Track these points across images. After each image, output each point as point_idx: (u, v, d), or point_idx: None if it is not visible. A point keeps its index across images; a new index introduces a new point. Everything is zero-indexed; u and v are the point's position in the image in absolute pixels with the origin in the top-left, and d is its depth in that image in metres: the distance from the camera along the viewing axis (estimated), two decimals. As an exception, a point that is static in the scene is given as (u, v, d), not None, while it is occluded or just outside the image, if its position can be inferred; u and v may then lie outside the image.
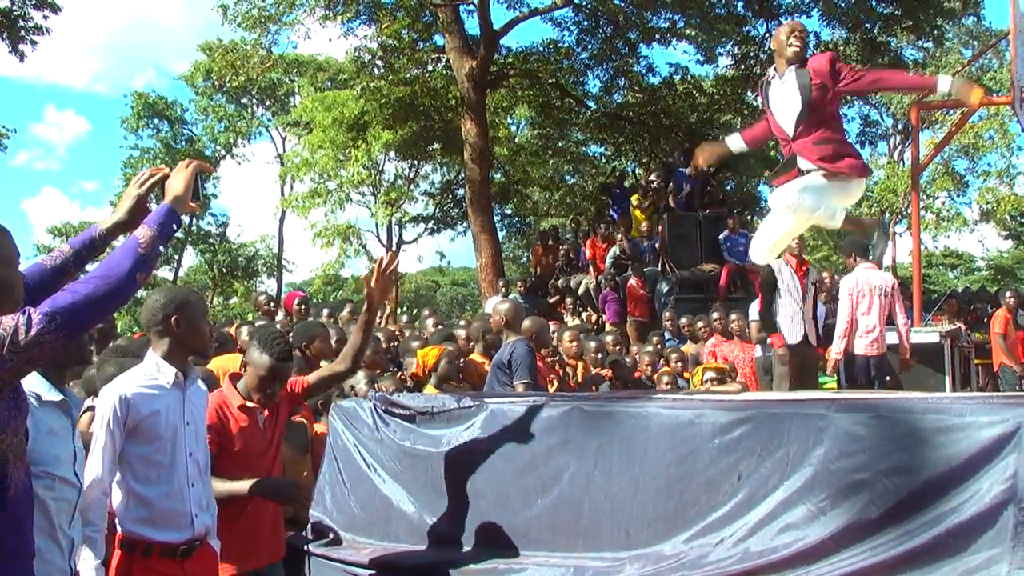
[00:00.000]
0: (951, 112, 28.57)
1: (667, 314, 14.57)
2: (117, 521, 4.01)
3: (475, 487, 5.31)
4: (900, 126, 41.37)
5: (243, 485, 4.57)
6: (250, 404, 4.77)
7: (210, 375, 5.73)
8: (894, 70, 5.61)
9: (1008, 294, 14.53)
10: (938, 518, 4.08)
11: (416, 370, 8.27)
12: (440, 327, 11.09)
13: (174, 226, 3.26)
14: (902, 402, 5.07)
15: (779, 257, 9.67)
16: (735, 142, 6.76)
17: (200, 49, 39.03)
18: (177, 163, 3.53)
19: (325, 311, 12.80)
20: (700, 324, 12.38)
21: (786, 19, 22.49)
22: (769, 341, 9.82)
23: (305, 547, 5.17)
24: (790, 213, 6.73)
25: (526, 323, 8.85)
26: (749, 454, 4.62)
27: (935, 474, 4.16)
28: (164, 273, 45.62)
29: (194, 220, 45.92)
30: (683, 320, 13.31)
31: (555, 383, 8.62)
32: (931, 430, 4.26)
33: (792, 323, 9.55)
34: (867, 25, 21.95)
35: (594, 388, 9.48)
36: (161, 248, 3.15)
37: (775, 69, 6.35)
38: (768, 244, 6.91)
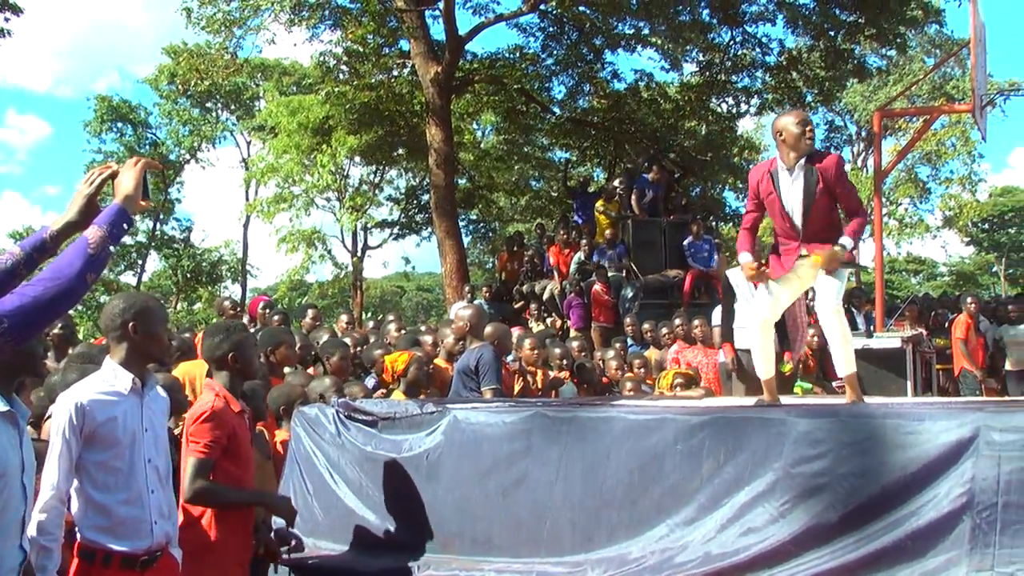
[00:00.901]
0: (914, 119, 28.85)
1: (628, 320, 14.60)
2: (76, 529, 3.97)
3: (437, 493, 5.31)
4: (863, 133, 41.64)
5: (260, 496, 4.87)
6: (244, 408, 4.89)
7: (175, 382, 5.70)
8: (864, 223, 5.48)
9: (969, 300, 14.68)
10: (897, 522, 4.12)
11: (385, 376, 8.26)
12: (404, 332, 11.08)
13: (125, 225, 3.21)
14: (862, 407, 5.12)
15: (730, 265, 9.77)
16: (745, 257, 6.49)
17: (164, 52, 38.77)
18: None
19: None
20: (664, 330, 12.40)
21: (751, 27, 22.70)
22: (723, 348, 9.91)
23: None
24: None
25: (489, 329, 8.87)
26: (711, 459, 4.66)
27: (895, 478, 4.21)
28: (128, 278, 45.31)
29: (158, 225, 45.65)
30: (646, 325, 13.34)
31: (521, 383, 8.62)
32: (891, 435, 4.31)
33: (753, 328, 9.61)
34: (831, 33, 22.06)
35: (554, 393, 9.48)
36: (112, 248, 3.11)
37: (782, 160, 6.07)
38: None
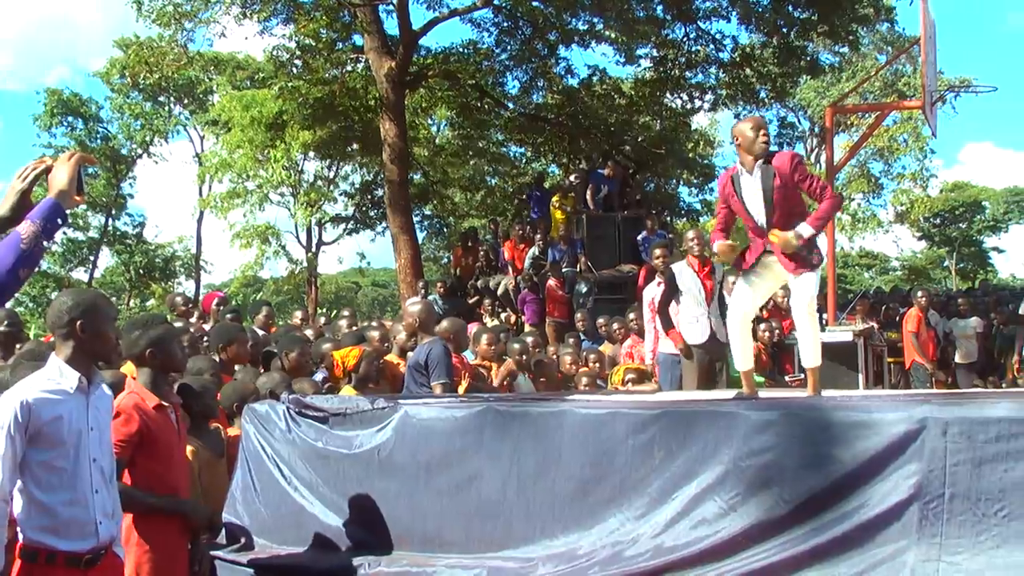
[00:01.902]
0: (866, 115, 29.06)
1: (579, 315, 14.64)
2: (19, 529, 3.91)
3: (388, 489, 5.29)
4: (816, 128, 41.93)
5: (175, 504, 4.76)
6: (165, 403, 4.77)
7: (120, 378, 5.64)
8: (830, 207, 5.77)
9: (920, 294, 14.85)
10: (847, 513, 4.16)
11: (336, 372, 8.21)
12: (354, 328, 11.03)
13: (59, 220, 3.17)
14: (813, 400, 5.16)
15: (682, 259, 9.91)
16: (720, 243, 6.75)
17: (116, 45, 38.37)
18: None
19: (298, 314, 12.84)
20: (616, 325, 12.44)
21: (705, 24, 22.80)
22: (669, 338, 10.00)
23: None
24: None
25: (444, 324, 8.86)
26: (662, 452, 4.67)
27: (844, 470, 4.24)
28: (80, 275, 44.89)
29: (110, 220, 45.24)
30: (600, 320, 13.37)
31: (468, 380, 8.59)
32: (840, 427, 4.34)
33: (697, 323, 9.74)
34: (784, 30, 22.19)
35: (507, 384, 9.49)
36: (45, 243, 3.07)
37: (742, 164, 6.40)
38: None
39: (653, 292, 10.44)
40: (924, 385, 13.58)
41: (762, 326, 12.33)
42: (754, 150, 6.30)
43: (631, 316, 12.22)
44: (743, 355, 6.81)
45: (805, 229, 6.23)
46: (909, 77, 37.84)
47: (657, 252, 10.68)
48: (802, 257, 6.32)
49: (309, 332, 10.87)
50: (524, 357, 10.06)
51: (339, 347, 8.40)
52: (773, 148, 6.55)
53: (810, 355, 6.53)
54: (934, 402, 4.37)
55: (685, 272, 9.80)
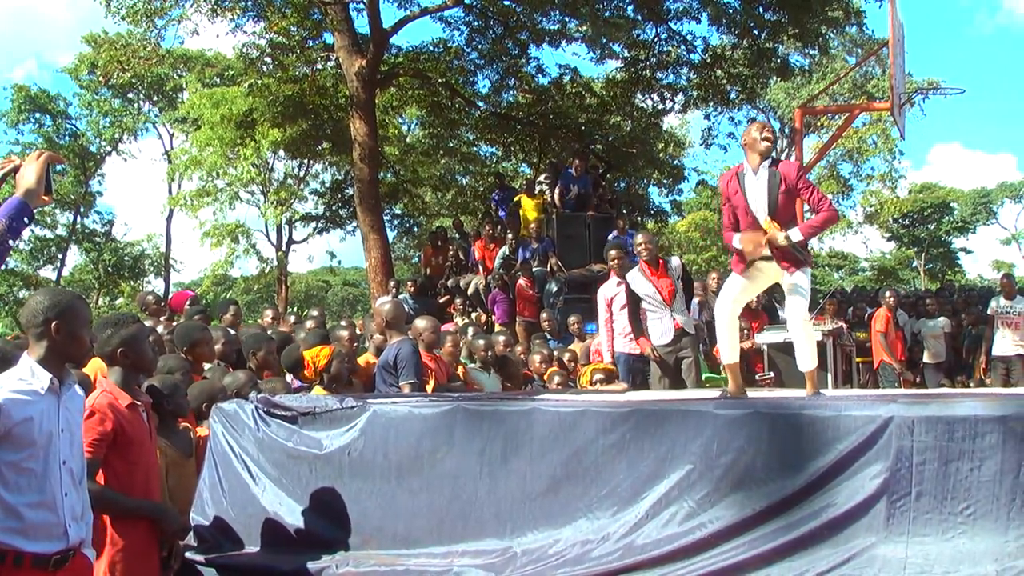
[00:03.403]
0: (835, 117, 29.24)
1: (545, 315, 14.66)
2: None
3: (358, 488, 5.29)
4: (786, 130, 42.13)
5: (149, 508, 4.74)
6: (137, 402, 4.74)
7: (86, 378, 5.60)
8: (825, 220, 6.03)
9: (888, 294, 14.93)
10: (816, 511, 4.21)
11: (307, 372, 8.18)
12: (318, 328, 10.98)
13: (26, 219, 3.15)
14: (781, 400, 5.19)
15: (635, 267, 9.99)
16: (737, 238, 6.88)
17: (84, 41, 38.18)
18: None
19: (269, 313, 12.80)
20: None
21: (676, 24, 22.88)
22: (638, 345, 10.07)
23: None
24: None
25: (417, 323, 8.86)
26: (632, 451, 4.69)
27: (812, 469, 4.28)
28: (47, 273, 44.58)
29: (79, 218, 44.95)
30: (572, 319, 13.37)
31: (433, 381, 8.59)
32: (809, 426, 4.37)
33: (661, 323, 9.79)
34: (755, 31, 22.27)
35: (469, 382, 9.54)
36: (12, 242, 3.05)
37: (748, 163, 6.62)
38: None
39: (607, 292, 10.49)
40: (892, 385, 13.65)
41: None
42: (758, 148, 6.52)
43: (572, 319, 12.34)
44: (730, 348, 6.92)
45: (796, 234, 6.42)
46: (878, 79, 38.09)
47: (612, 254, 10.73)
48: (795, 257, 6.46)
49: (281, 330, 10.83)
50: (488, 353, 10.09)
51: (307, 347, 8.39)
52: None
53: (806, 359, 6.70)
54: (902, 401, 4.41)
55: (638, 278, 9.86)
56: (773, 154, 6.61)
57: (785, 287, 6.66)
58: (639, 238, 10.37)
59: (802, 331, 6.66)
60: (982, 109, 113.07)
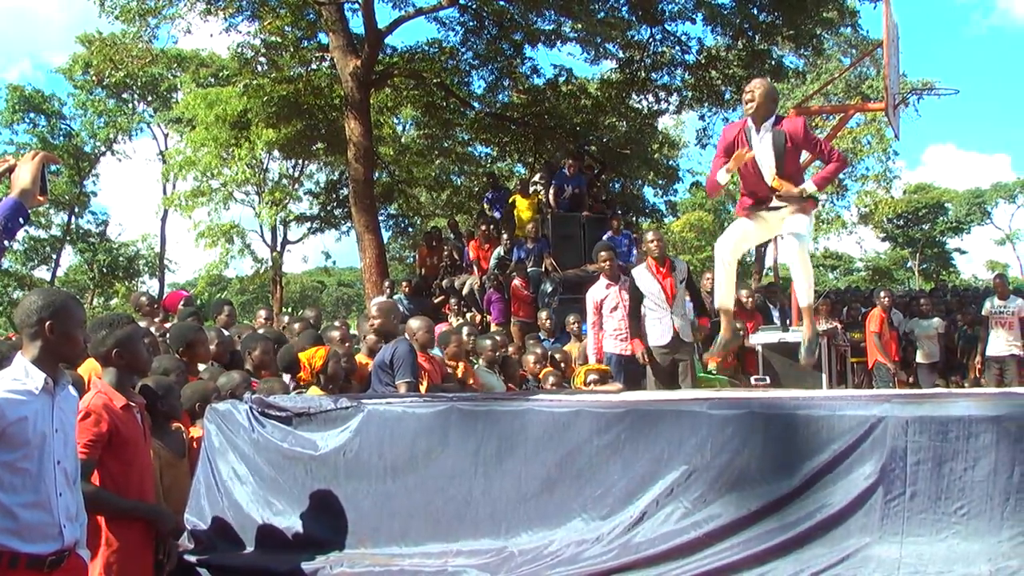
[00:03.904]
0: (830, 117, 29.25)
1: (543, 314, 14.68)
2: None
3: (353, 489, 5.28)
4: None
5: (145, 509, 4.75)
6: (131, 403, 4.74)
7: (79, 379, 5.59)
8: (836, 169, 6.12)
9: (883, 294, 14.96)
10: (810, 512, 4.21)
11: (303, 374, 8.18)
12: (308, 330, 10.96)
13: (21, 220, 3.14)
14: (776, 400, 5.19)
15: (642, 263, 10.00)
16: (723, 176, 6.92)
17: (78, 41, 38.06)
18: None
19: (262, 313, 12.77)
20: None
21: (671, 26, 22.90)
22: (631, 345, 10.09)
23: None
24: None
25: (413, 323, 8.87)
26: (627, 452, 4.69)
27: (807, 469, 4.28)
28: (42, 273, 44.54)
29: (73, 218, 44.91)
30: (570, 318, 13.39)
31: (426, 381, 8.60)
32: (804, 426, 4.37)
33: (660, 324, 9.80)
34: (750, 33, 22.31)
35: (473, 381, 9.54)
36: (7, 243, 3.04)
37: (752, 120, 6.68)
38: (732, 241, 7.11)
39: (596, 294, 10.50)
40: (886, 385, 13.68)
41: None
42: (747, 111, 6.69)
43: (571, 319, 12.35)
44: (725, 291, 7.03)
45: (811, 186, 6.55)
46: (873, 80, 38.12)
47: (603, 255, 10.74)
48: (799, 204, 6.49)
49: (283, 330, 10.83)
50: (496, 353, 10.10)
51: (300, 348, 8.39)
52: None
53: (804, 293, 6.77)
54: (896, 401, 4.41)
55: (644, 275, 9.85)
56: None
57: (787, 224, 6.68)
58: (649, 235, 10.38)
59: (800, 263, 6.67)
60: (976, 109, 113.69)
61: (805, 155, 7.09)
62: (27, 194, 3.21)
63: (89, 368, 6.16)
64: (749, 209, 6.69)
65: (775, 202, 6.61)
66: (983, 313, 14.46)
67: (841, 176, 43.06)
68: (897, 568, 4.00)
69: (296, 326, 10.84)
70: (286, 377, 8.06)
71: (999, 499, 3.97)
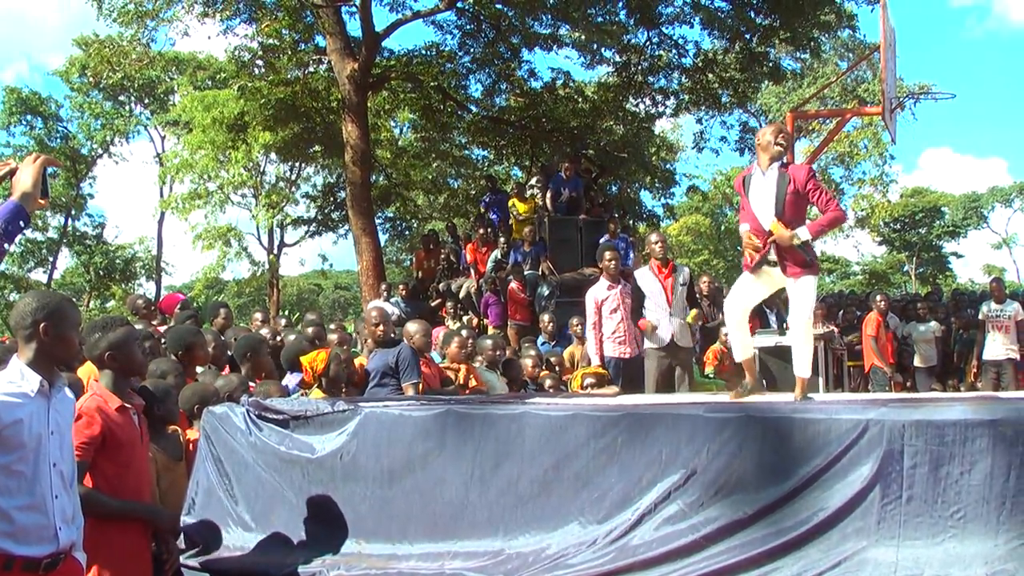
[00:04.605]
0: (827, 121, 29.30)
1: (545, 317, 14.65)
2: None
3: (350, 492, 5.29)
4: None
5: (141, 510, 4.74)
6: (127, 405, 4.72)
7: (78, 382, 5.59)
8: (833, 220, 6.19)
9: (879, 298, 14.96)
10: (807, 515, 4.25)
11: (305, 377, 8.18)
12: (295, 335, 10.95)
13: (21, 223, 3.14)
14: (772, 404, 5.20)
15: (644, 263, 10.02)
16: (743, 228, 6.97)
17: (75, 43, 38.11)
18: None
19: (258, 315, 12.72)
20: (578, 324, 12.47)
21: (668, 29, 22.89)
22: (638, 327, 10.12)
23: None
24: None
25: (410, 327, 8.91)
26: (624, 455, 4.70)
27: (804, 473, 4.31)
28: (38, 276, 44.47)
29: (70, 221, 44.86)
30: (573, 321, 13.37)
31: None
32: (800, 430, 4.39)
33: (660, 327, 9.79)
34: (747, 36, 22.30)
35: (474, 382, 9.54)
36: (7, 246, 3.04)
37: (758, 165, 6.65)
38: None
39: (598, 294, 10.49)
40: (883, 389, 13.70)
41: (724, 331, 12.43)
42: (771, 152, 6.53)
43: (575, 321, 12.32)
44: (740, 346, 7.03)
45: (804, 232, 6.43)
46: (869, 83, 38.16)
47: (607, 255, 10.71)
48: (802, 260, 6.48)
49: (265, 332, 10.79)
50: (498, 353, 10.10)
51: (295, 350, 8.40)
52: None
53: (802, 365, 6.66)
54: (892, 405, 4.42)
55: (647, 276, 9.87)
56: (784, 158, 6.60)
57: (789, 293, 6.65)
58: (653, 237, 10.41)
59: (802, 335, 6.67)
60: (973, 114, 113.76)
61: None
62: (28, 197, 3.21)
63: (88, 371, 6.16)
64: (754, 267, 6.71)
65: (773, 256, 6.63)
66: (979, 317, 14.47)
67: (838, 180, 43.21)
68: (893, 572, 4.01)
69: (310, 331, 10.86)
70: (288, 377, 8.07)
71: (995, 503, 3.98)
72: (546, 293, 16.72)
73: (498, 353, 10.17)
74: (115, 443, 4.59)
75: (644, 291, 9.88)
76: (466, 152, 30.10)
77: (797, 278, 6.51)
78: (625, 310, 10.20)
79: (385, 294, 18.50)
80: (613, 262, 10.58)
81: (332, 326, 11.74)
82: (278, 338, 9.94)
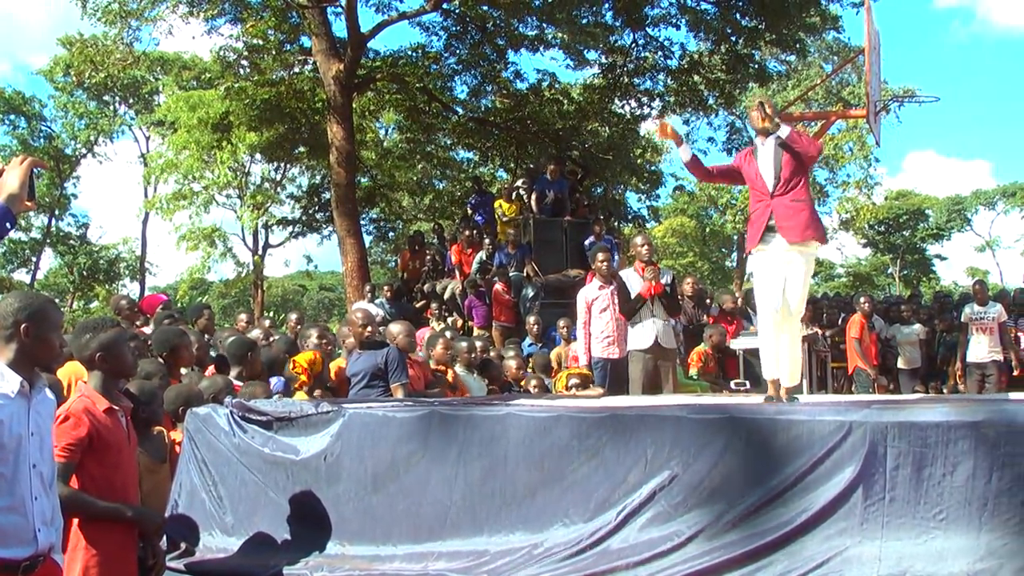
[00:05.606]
0: (811, 124, 29.36)
1: (532, 319, 14.62)
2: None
3: (334, 494, 5.27)
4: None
5: (127, 510, 4.66)
6: (115, 407, 4.69)
7: (57, 383, 5.56)
8: (810, 143, 6.45)
9: (863, 300, 14.99)
10: (790, 517, 4.26)
11: (304, 378, 8.19)
12: (284, 336, 10.94)
13: (8, 224, 3.12)
14: (756, 405, 5.21)
15: (629, 265, 10.04)
16: (685, 152, 7.12)
17: (60, 43, 37.90)
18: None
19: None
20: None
21: (653, 31, 22.96)
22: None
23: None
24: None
25: (394, 328, 8.94)
26: (607, 456, 4.70)
27: (787, 474, 4.32)
28: (21, 276, 44.29)
29: (53, 221, 44.71)
30: (561, 322, 13.36)
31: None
32: (784, 432, 4.39)
33: (644, 328, 9.79)
34: (733, 38, 22.37)
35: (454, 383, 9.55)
36: None
37: (757, 139, 7.05)
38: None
39: (588, 294, 10.49)
40: (867, 390, 13.72)
41: (707, 331, 12.45)
42: (759, 127, 6.97)
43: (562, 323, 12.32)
44: (774, 358, 6.98)
45: (784, 130, 6.81)
46: (854, 86, 38.25)
47: (600, 256, 10.71)
48: (805, 220, 6.60)
49: (255, 333, 10.78)
50: (472, 355, 10.11)
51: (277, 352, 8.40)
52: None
53: (791, 375, 6.75)
54: (875, 407, 4.44)
55: (633, 278, 9.87)
56: (780, 129, 6.83)
57: (789, 268, 6.75)
58: (639, 239, 10.39)
59: (794, 342, 6.73)
60: (957, 117, 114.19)
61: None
62: (15, 199, 3.19)
63: (69, 372, 6.13)
64: (759, 243, 6.79)
65: (775, 221, 6.71)
66: (963, 319, 14.51)
67: (822, 182, 43.32)
68: (877, 571, 4.02)
69: (312, 331, 10.86)
70: (274, 380, 8.05)
71: (977, 503, 3.99)
72: (531, 295, 16.73)
73: (473, 356, 10.17)
74: (102, 445, 4.57)
75: (631, 292, 9.89)
76: (451, 153, 30.08)
77: (802, 243, 6.69)
78: (615, 309, 10.20)
79: (370, 295, 18.47)
80: (605, 263, 10.59)
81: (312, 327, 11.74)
82: (270, 340, 9.95)
